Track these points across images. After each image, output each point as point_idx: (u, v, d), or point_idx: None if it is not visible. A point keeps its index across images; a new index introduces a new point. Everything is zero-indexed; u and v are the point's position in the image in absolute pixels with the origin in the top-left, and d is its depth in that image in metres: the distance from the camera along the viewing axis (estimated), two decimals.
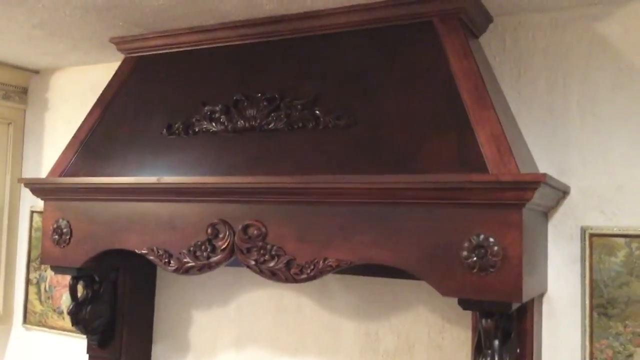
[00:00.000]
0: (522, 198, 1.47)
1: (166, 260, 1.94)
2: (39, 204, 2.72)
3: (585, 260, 1.78)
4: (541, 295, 1.82)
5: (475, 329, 1.68)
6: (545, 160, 1.85)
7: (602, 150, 1.81)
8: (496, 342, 1.59)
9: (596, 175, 1.81)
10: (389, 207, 1.64)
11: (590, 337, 1.76)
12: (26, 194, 2.88)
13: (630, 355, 1.72)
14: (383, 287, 2.09)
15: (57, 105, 2.90)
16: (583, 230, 1.80)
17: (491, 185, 1.48)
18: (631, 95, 1.80)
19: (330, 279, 2.17)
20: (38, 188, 2.21)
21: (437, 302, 2.00)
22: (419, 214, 1.60)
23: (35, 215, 2.86)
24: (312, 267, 1.72)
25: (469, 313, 1.83)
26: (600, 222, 1.79)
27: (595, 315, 1.76)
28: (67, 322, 2.68)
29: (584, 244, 1.79)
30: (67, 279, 2.61)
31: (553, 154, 1.85)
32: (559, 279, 1.83)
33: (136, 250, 2.00)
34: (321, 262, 1.71)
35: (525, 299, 1.50)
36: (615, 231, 1.76)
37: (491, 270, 1.50)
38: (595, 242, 1.78)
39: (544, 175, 1.44)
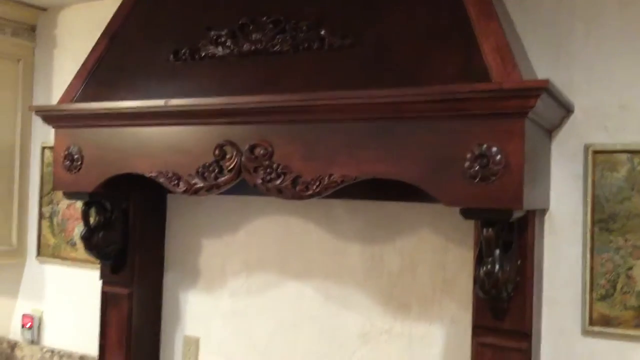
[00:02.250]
0: (525, 106, 1.48)
1: (175, 182, 1.98)
2: (50, 140, 2.77)
3: (587, 177, 1.80)
4: (543, 212, 1.85)
5: (477, 244, 1.72)
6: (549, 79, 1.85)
7: (606, 69, 1.81)
8: (497, 252, 1.62)
9: (600, 94, 1.82)
10: (393, 121, 1.66)
11: (591, 252, 1.79)
12: (37, 130, 2.94)
13: (630, 268, 1.75)
14: (388, 211, 2.13)
15: (65, 42, 2.92)
16: (586, 148, 1.81)
17: (494, 93, 1.50)
18: (637, 13, 1.79)
19: (337, 204, 2.21)
20: (49, 115, 2.25)
21: (440, 224, 2.04)
22: (422, 127, 1.62)
23: (46, 151, 2.90)
24: (317, 183, 1.75)
25: (471, 233, 1.87)
26: (603, 139, 1.81)
27: (596, 230, 1.79)
28: (80, 253, 2.76)
29: (587, 161, 1.80)
30: (79, 212, 2.67)
31: (557, 72, 1.84)
32: (561, 196, 1.86)
33: (145, 174, 2.04)
34: (326, 178, 1.74)
35: (525, 206, 1.53)
36: (618, 147, 1.77)
37: (493, 179, 1.53)
38: (598, 158, 1.79)
39: (547, 81, 1.45)
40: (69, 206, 2.84)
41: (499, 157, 1.52)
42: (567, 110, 1.81)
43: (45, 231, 2.91)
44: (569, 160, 1.85)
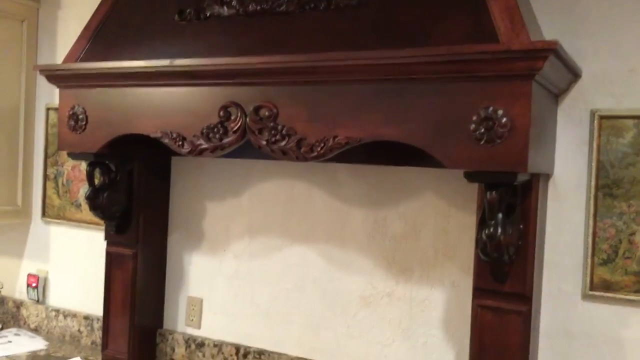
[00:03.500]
0: (533, 68, 1.47)
1: (180, 143, 1.98)
2: (54, 101, 2.77)
3: (593, 142, 1.79)
4: (547, 177, 1.85)
5: (480, 207, 1.72)
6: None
7: (614, 34, 1.79)
8: (500, 215, 1.62)
9: (608, 59, 1.80)
10: (399, 83, 1.65)
11: (594, 217, 1.80)
12: (41, 91, 2.93)
13: (633, 234, 1.76)
14: (392, 176, 2.13)
15: (70, 2, 2.89)
16: (592, 113, 1.80)
17: (502, 55, 1.48)
18: None
19: (340, 168, 2.22)
20: (53, 75, 2.24)
21: (443, 189, 2.04)
22: (428, 89, 1.61)
23: (50, 112, 2.90)
24: (322, 145, 1.75)
25: (474, 198, 1.88)
26: (610, 105, 1.79)
27: (600, 195, 1.79)
28: (84, 214, 2.78)
29: (593, 126, 1.80)
30: (83, 173, 2.68)
31: (565, 37, 1.80)
32: (566, 162, 1.85)
33: (150, 134, 2.04)
34: (331, 140, 1.73)
35: (530, 170, 1.53)
36: (625, 113, 1.76)
37: (498, 141, 1.52)
38: (604, 124, 1.78)
39: (555, 42, 1.44)
40: (73, 167, 2.85)
41: (504, 119, 1.51)
42: (574, 74, 1.80)
43: (50, 192, 2.92)
44: (575, 126, 1.84)
